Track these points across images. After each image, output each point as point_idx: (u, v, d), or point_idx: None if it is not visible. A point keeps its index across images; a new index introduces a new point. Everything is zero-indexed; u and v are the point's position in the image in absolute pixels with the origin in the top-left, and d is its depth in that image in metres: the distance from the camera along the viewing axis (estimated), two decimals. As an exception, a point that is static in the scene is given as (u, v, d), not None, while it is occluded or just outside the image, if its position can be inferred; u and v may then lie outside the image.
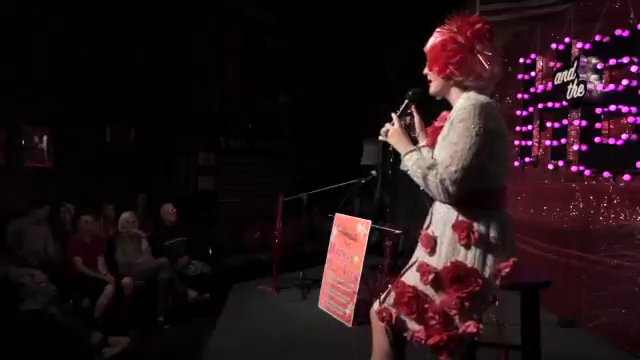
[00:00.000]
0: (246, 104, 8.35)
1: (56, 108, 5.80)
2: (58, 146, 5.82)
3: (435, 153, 1.86)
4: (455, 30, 1.78)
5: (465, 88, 1.81)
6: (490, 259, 1.72)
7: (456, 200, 1.73)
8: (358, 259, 4.30)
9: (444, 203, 1.79)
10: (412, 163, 1.79)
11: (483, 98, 1.73)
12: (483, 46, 1.76)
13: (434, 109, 2.02)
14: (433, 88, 1.90)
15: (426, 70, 1.92)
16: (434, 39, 1.84)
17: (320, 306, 4.66)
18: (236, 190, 8.10)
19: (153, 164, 6.97)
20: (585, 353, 3.62)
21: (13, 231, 4.62)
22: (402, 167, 1.86)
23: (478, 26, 1.76)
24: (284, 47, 8.76)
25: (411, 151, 1.83)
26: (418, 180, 1.77)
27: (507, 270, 1.71)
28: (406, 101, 2.01)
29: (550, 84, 4.55)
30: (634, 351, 3.45)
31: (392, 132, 1.91)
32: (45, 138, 5.72)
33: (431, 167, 1.73)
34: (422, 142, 2.06)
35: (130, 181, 6.41)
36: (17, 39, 5.37)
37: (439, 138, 1.83)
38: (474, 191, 1.72)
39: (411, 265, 1.86)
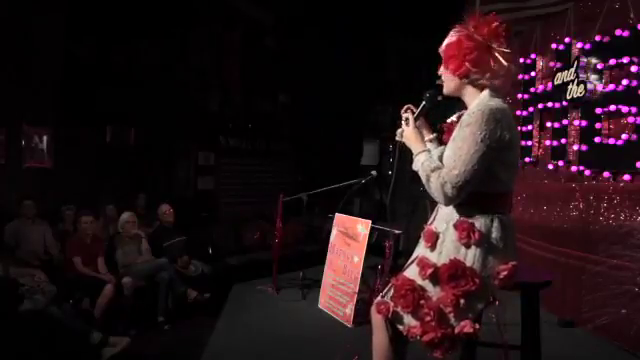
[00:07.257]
0: (246, 104, 8.35)
1: (56, 108, 5.80)
2: (58, 146, 5.81)
3: (445, 153, 1.87)
4: (471, 29, 1.79)
5: (481, 88, 1.81)
6: (490, 260, 1.73)
7: (456, 203, 1.74)
8: (358, 259, 4.30)
9: (445, 206, 1.80)
10: (420, 164, 1.82)
11: (494, 103, 1.72)
12: (499, 44, 1.77)
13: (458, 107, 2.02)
14: (447, 88, 1.91)
15: (441, 70, 1.91)
16: (450, 38, 1.84)
17: (320, 306, 4.66)
18: (236, 190, 8.10)
19: (153, 164, 6.97)
20: (585, 353, 3.62)
21: (12, 231, 4.62)
22: (413, 167, 1.87)
23: (494, 25, 1.77)
24: (284, 47, 8.76)
25: (421, 152, 1.86)
26: (423, 181, 1.80)
27: (505, 273, 1.72)
28: (424, 102, 2.01)
29: (550, 84, 4.55)
30: (634, 351, 3.45)
31: (406, 133, 1.94)
32: (45, 138, 5.72)
33: (435, 169, 1.75)
34: (427, 137, 2.06)
35: (130, 181, 6.41)
36: (17, 39, 5.36)
37: (450, 138, 1.84)
38: (478, 193, 1.73)
39: (413, 260, 1.88)
